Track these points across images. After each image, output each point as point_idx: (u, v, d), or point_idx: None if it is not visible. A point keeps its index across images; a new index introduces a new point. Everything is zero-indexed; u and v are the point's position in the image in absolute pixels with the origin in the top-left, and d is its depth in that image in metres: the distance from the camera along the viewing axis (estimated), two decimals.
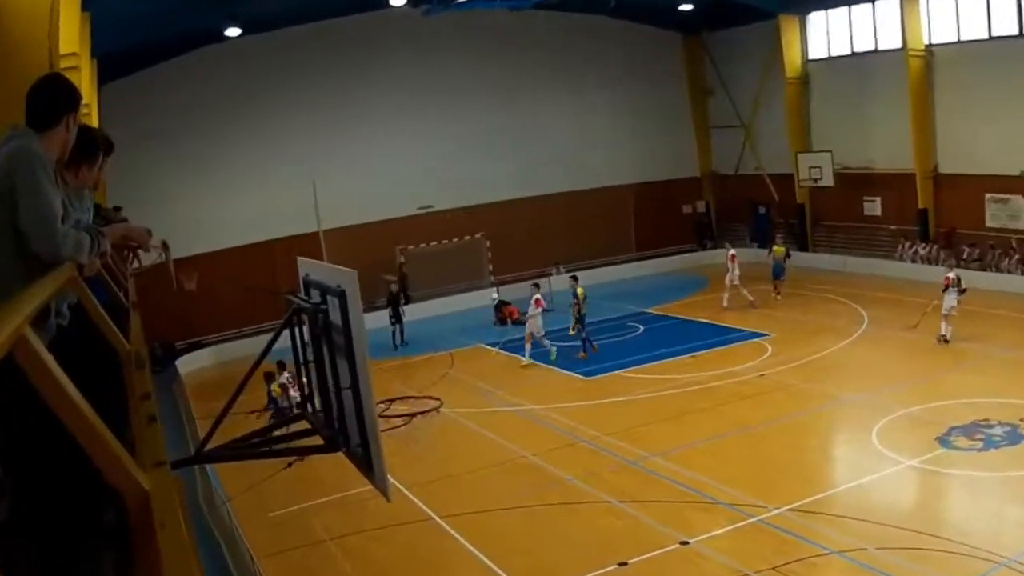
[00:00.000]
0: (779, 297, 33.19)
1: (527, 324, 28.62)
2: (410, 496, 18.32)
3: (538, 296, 28.56)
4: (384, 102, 38.58)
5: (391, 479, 17.80)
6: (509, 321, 33.60)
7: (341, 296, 7.77)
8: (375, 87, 38.47)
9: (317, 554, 16.81)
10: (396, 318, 33.34)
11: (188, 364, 32.66)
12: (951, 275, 25.89)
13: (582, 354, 28.50)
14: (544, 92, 41.80)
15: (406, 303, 35.72)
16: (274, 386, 23.80)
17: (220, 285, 33.59)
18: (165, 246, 18.96)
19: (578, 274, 31.97)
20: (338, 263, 35.39)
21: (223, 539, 17.73)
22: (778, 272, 33.42)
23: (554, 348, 27.96)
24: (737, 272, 32.92)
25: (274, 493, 18.80)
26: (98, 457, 2.44)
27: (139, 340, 4.51)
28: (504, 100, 41.06)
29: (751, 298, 32.88)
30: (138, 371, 4.03)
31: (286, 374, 23.14)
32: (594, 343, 28.80)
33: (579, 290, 28.99)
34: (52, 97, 4.40)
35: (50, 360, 2.37)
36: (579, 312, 28.73)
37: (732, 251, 33.79)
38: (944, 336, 25.55)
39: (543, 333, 28.26)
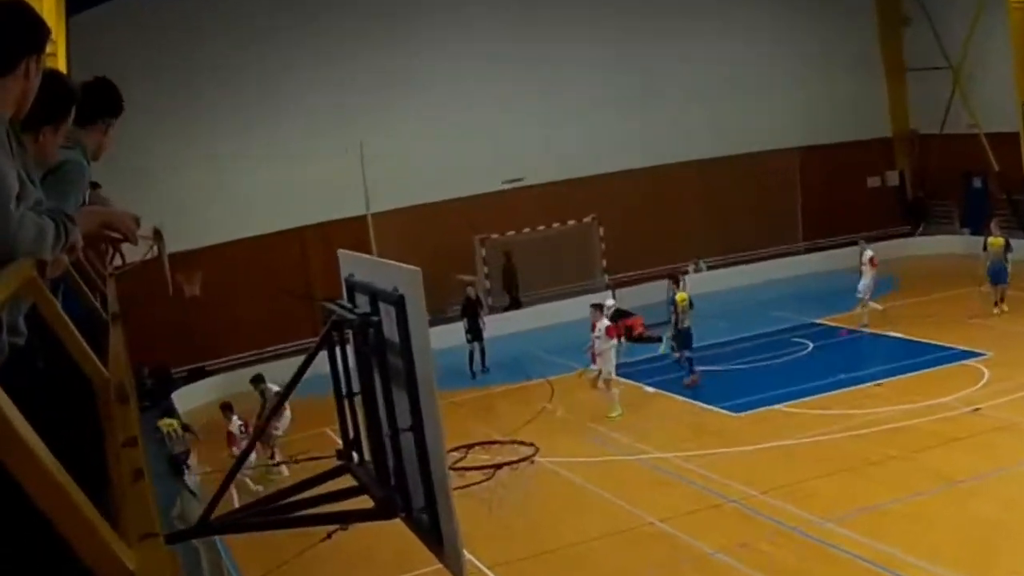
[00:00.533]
0: (1001, 310, 31.93)
1: (597, 360, 27.37)
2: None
3: (607, 322, 27.70)
4: (456, 48, 38.66)
5: (468, 555, 17.70)
6: (623, 338, 31.90)
7: (399, 303, 7.60)
8: (443, 28, 38.55)
9: None
10: (474, 334, 33.12)
11: (189, 398, 32.72)
12: None
13: (692, 378, 28.42)
14: (675, 32, 41.40)
15: (514, 306, 35.66)
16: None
17: (232, 289, 33.74)
18: (158, 236, 19.24)
19: (727, 269, 31.56)
20: (392, 258, 35.65)
21: None
22: (999, 275, 32.03)
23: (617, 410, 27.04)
24: (868, 283, 32.50)
25: (309, 574, 18.65)
26: (68, 530, 2.34)
27: (122, 365, 4.39)
28: (620, 42, 40.75)
29: (880, 307, 32.77)
30: (120, 407, 3.92)
31: (235, 419, 24.62)
32: (695, 371, 28.56)
33: (680, 295, 29.05)
34: (5, 32, 4.30)
35: None
36: (678, 325, 28.69)
37: (870, 253, 33.16)
38: None
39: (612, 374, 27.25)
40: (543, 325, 36.80)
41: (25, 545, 3.27)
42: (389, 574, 18.61)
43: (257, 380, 26.18)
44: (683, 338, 28.60)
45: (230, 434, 24.89)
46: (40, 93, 4.71)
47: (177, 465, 24.53)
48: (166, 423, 26.01)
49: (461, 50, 38.58)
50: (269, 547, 18.23)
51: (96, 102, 6.37)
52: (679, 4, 41.40)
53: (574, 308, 36.68)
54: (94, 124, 6.37)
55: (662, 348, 29.27)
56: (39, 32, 4.40)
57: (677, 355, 28.88)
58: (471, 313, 33.31)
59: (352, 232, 33.93)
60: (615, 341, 27.27)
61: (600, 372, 26.79)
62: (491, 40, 38.83)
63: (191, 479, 24.61)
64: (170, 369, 33.53)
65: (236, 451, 23.23)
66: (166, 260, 19.20)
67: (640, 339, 32.31)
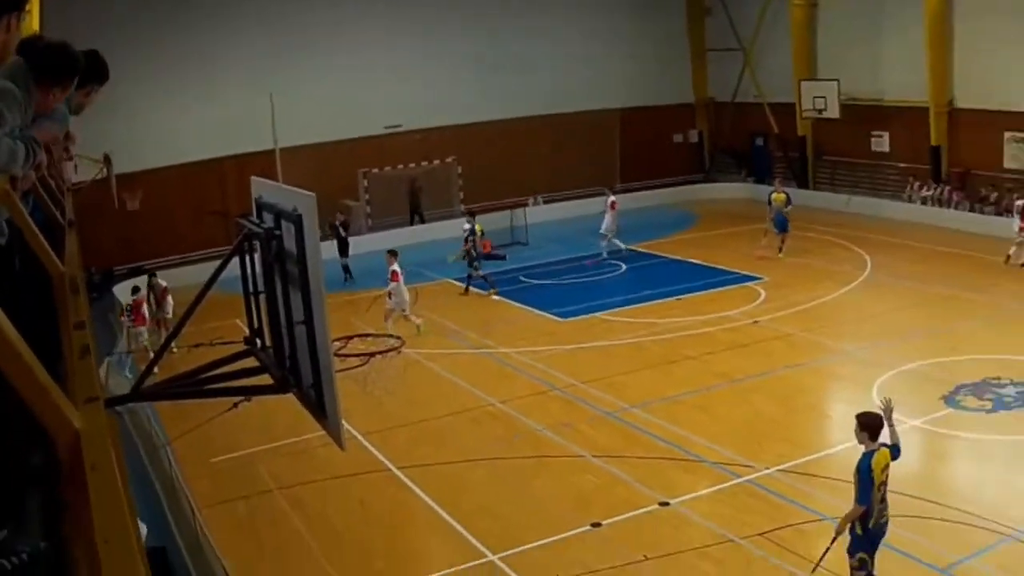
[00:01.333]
0: (782, 255, 31.61)
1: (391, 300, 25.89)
2: (366, 444, 18.33)
3: (395, 268, 25.92)
4: (350, 11, 38.16)
5: (346, 425, 17.74)
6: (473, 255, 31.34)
7: (297, 221, 7.52)
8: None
9: (263, 505, 16.76)
10: (342, 251, 33.04)
11: (128, 291, 31.76)
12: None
13: (492, 292, 29.39)
14: (527, 12, 41.33)
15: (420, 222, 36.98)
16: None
17: (166, 205, 33.23)
18: (107, 160, 18.67)
19: (562, 204, 31.62)
20: (296, 185, 34.82)
21: (162, 486, 17.64)
22: (781, 224, 31.90)
23: (420, 322, 26.16)
24: (609, 223, 33.05)
25: (218, 436, 18.55)
26: (25, 391, 2.35)
27: (75, 263, 4.34)
28: (482, 16, 40.73)
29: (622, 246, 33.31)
30: (72, 297, 3.88)
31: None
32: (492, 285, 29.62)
33: (477, 227, 29.54)
34: None
35: None
36: (473, 251, 29.14)
37: (612, 198, 33.56)
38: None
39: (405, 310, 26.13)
40: (412, 242, 36.23)
41: None
42: (282, 438, 18.53)
43: (150, 275, 27.70)
44: (476, 260, 29.49)
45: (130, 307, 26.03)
46: (56, 59, 4.78)
47: None
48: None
49: (355, 19, 38.27)
50: (187, 414, 18.08)
51: (88, 71, 6.26)
52: None
53: (438, 230, 37.73)
54: (83, 87, 6.27)
55: (451, 258, 30.19)
56: None
57: (477, 272, 29.57)
58: (341, 236, 33.21)
59: (263, 162, 33.99)
60: (398, 283, 25.61)
61: (393, 309, 25.75)
62: (381, 9, 38.82)
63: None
64: (113, 268, 33.15)
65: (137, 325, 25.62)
66: (113, 180, 18.76)
67: (490, 256, 32.32)
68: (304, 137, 36.56)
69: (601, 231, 33.05)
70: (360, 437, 18.27)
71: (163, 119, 34.97)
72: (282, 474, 17.61)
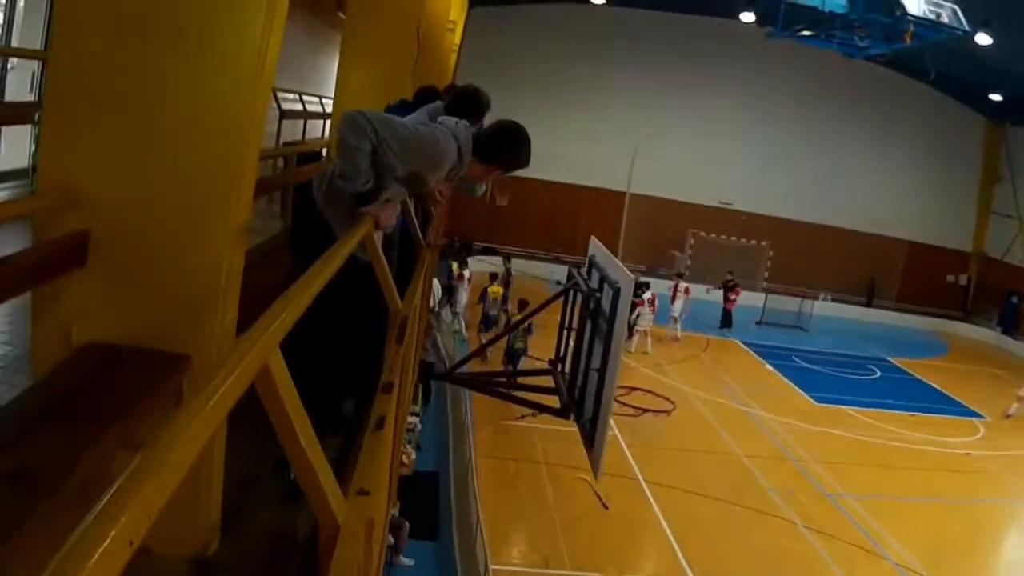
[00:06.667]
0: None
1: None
2: (627, 453, 18.18)
3: (464, 272, 25.58)
4: (706, 98, 38.40)
5: (615, 431, 17.62)
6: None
7: (616, 292, 7.55)
8: (703, 82, 38.30)
9: (528, 472, 17.01)
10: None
11: (477, 263, 31.96)
12: None
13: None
14: (847, 134, 39.84)
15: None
16: (491, 289, 24.79)
17: (525, 209, 34.10)
18: None
19: (843, 305, 30.11)
20: (634, 225, 35.32)
21: (454, 422, 18.07)
22: None
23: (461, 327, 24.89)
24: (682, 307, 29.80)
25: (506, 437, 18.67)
26: (302, 472, 2.11)
27: (413, 304, 4.34)
28: (810, 129, 39.63)
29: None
30: (396, 333, 3.85)
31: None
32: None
33: (492, 289, 25.26)
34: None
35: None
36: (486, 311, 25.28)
37: (686, 285, 30.28)
38: None
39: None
40: (716, 300, 35.51)
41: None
42: (566, 424, 18.56)
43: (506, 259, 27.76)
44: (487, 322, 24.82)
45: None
46: (468, 103, 4.97)
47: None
48: (495, 289, 25.15)
49: (708, 104, 38.60)
50: (488, 408, 18.36)
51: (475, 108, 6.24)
52: (858, 121, 39.84)
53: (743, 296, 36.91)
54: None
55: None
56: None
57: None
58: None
59: (613, 200, 36.31)
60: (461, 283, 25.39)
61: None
62: (730, 102, 38.81)
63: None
64: (471, 243, 33.94)
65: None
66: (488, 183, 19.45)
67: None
68: (651, 189, 37.07)
69: (674, 314, 29.77)
70: (624, 447, 18.13)
71: (544, 141, 35.55)
72: (553, 453, 17.70)
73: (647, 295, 27.04)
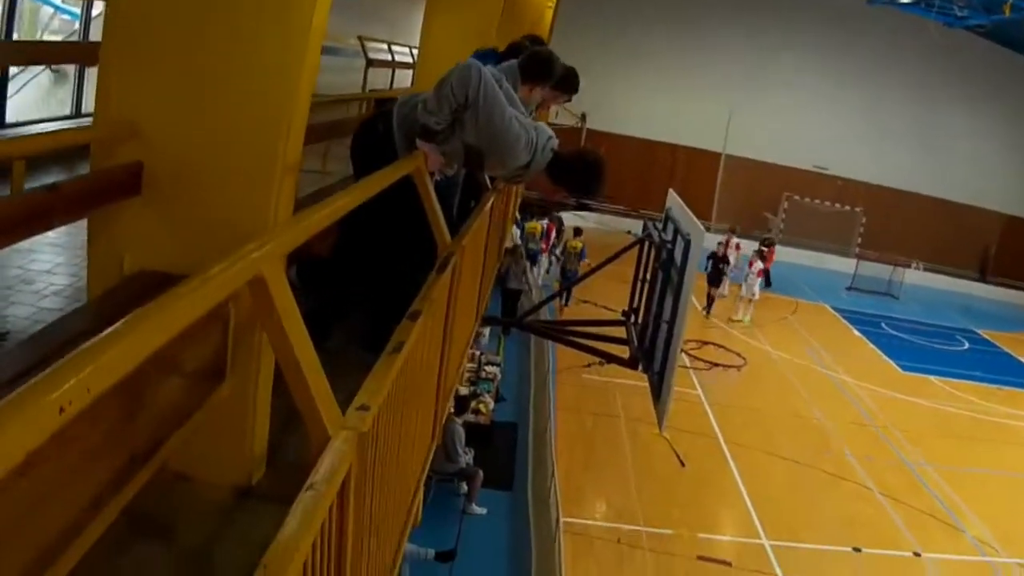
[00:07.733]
0: None
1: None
2: (708, 411, 18.02)
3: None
4: (803, 62, 37.34)
5: (699, 390, 17.47)
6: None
7: (687, 244, 7.46)
8: (800, 46, 37.23)
9: (606, 426, 17.01)
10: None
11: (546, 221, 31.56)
12: None
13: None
14: (944, 104, 38.14)
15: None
16: (571, 243, 24.50)
17: (615, 166, 33.57)
18: (583, 118, 20.05)
19: (934, 275, 28.94)
20: (729, 187, 34.68)
21: (536, 376, 18.14)
22: None
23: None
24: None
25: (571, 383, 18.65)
26: (297, 390, 2.17)
27: (463, 244, 4.32)
28: (907, 97, 38.04)
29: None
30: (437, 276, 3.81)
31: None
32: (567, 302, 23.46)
33: (572, 243, 24.59)
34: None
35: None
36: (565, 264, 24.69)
37: (735, 239, 29.01)
38: None
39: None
40: (811, 264, 35.59)
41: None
42: (645, 380, 18.53)
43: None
44: (565, 274, 24.45)
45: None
46: (539, 67, 5.10)
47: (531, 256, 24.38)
48: (532, 225, 25.40)
49: (804, 68, 37.51)
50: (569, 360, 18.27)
51: (563, 82, 6.13)
52: (966, 82, 37.98)
53: (833, 261, 36.70)
54: (557, 93, 6.21)
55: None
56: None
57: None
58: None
59: (707, 160, 35.78)
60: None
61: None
62: (824, 66, 37.67)
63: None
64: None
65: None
66: (584, 134, 19.30)
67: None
68: (746, 151, 36.42)
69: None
70: (706, 404, 17.98)
71: (635, 98, 36.05)
72: (633, 408, 17.59)
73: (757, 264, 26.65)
